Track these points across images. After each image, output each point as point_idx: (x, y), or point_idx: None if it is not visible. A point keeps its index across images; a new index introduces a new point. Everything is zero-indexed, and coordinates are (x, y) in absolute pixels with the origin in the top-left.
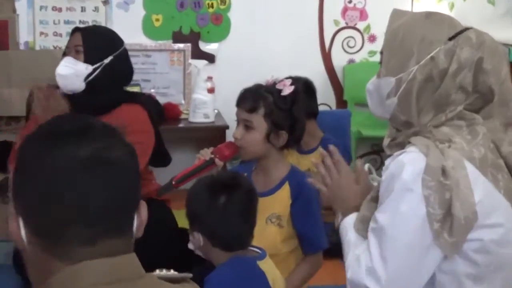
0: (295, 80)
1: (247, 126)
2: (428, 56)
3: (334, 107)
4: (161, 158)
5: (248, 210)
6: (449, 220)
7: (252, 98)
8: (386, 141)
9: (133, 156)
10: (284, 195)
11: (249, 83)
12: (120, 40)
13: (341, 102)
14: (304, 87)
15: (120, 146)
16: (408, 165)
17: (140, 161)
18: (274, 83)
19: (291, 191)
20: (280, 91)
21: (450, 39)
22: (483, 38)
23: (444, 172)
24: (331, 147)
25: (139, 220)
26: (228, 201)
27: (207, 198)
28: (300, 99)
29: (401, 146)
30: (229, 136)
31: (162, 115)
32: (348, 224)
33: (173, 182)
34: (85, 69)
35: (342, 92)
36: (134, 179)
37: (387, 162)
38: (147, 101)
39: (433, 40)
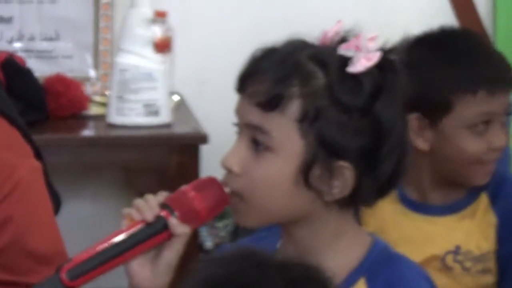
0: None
1: (259, 143)
2: None
3: None
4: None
5: None
6: None
7: (278, 74)
8: None
9: None
10: None
11: (266, 37)
12: None
13: None
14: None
15: None
16: None
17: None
18: (342, 40)
19: None
20: (347, 61)
21: None
22: None
23: None
24: None
25: None
26: None
27: None
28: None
29: None
30: (210, 162)
31: (43, 106)
32: None
33: (64, 277)
34: None
35: None
36: None
37: None
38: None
39: None
